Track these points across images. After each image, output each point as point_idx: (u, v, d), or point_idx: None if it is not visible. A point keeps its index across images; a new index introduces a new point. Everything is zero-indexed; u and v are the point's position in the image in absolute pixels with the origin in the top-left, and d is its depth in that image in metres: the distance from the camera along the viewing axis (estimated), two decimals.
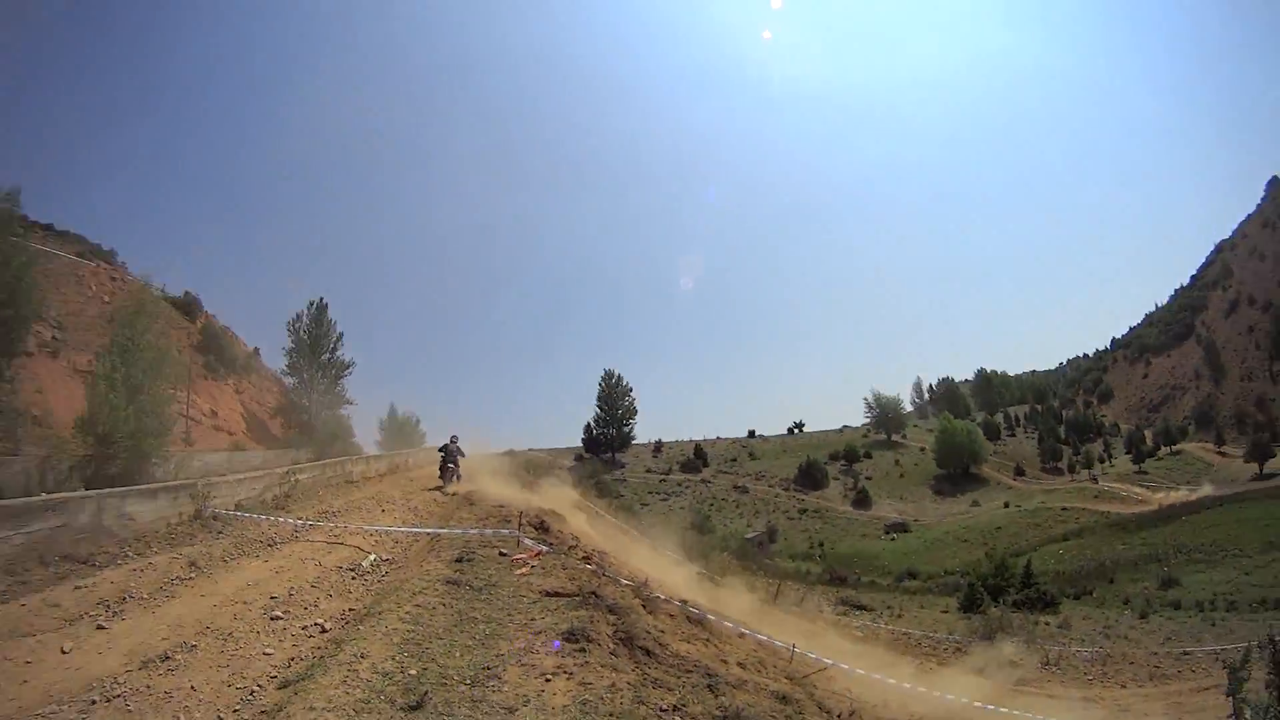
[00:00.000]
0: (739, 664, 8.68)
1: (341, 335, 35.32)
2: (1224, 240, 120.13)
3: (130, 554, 9.56)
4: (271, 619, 7.55)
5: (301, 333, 34.37)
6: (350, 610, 7.94)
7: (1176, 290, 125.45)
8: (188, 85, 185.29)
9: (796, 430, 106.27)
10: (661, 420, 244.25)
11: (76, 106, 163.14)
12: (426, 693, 5.37)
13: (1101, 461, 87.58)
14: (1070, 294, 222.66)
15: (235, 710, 5.53)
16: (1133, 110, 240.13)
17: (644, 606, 9.19)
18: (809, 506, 76.46)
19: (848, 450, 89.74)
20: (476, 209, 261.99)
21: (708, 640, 9.37)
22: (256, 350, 45.30)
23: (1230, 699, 14.15)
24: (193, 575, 8.98)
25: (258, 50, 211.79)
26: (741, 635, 10.82)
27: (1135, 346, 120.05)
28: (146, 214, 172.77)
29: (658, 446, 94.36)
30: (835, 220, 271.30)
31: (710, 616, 10.76)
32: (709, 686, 6.68)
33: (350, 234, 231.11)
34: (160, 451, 15.87)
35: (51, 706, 5.43)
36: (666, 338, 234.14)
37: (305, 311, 34.73)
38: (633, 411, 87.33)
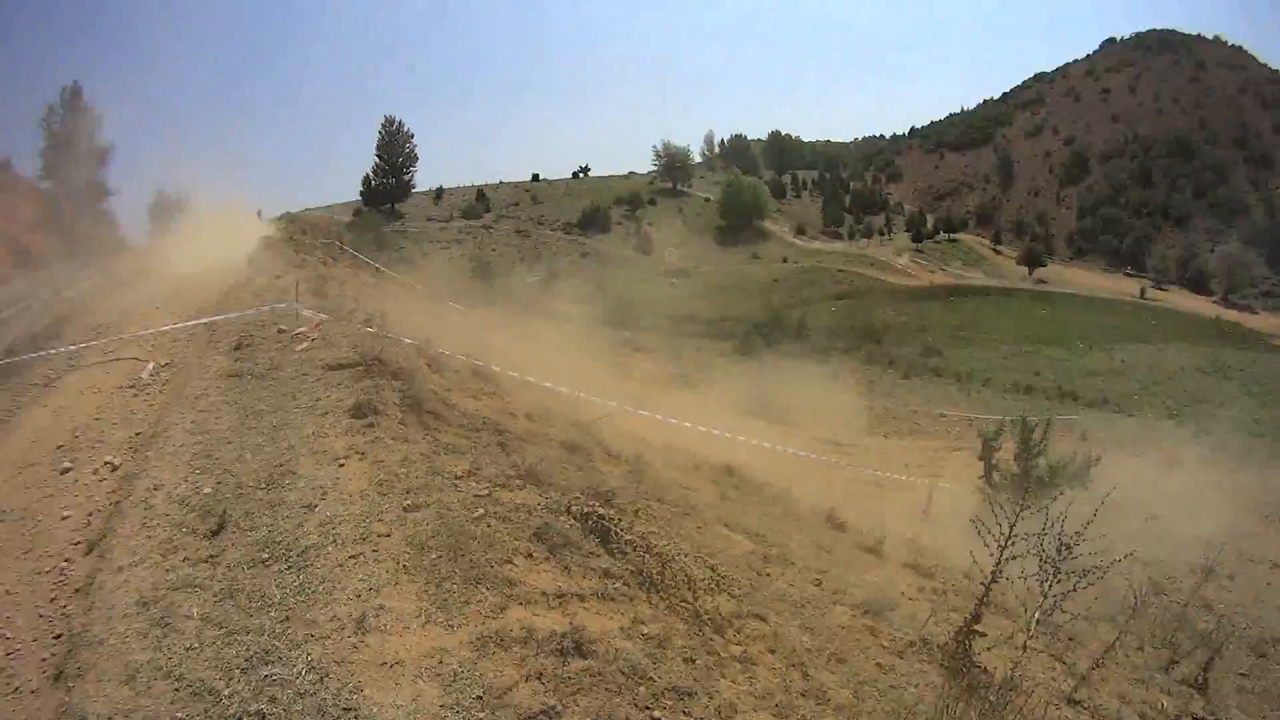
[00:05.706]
0: (526, 415, 8.94)
1: (101, 117, 29.59)
2: (1044, 73, 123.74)
3: None
4: (61, 473, 6.85)
5: (55, 126, 28.72)
6: (136, 435, 7.43)
7: (984, 101, 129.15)
8: None
9: (581, 175, 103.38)
10: (444, 167, 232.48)
11: None
12: (225, 511, 5.33)
13: (881, 234, 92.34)
14: (877, 76, 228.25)
15: (52, 599, 5.05)
16: None
17: (429, 366, 9.12)
18: (591, 250, 76.83)
19: (632, 197, 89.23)
20: None
21: (494, 394, 9.50)
22: (8, 160, 36.08)
23: (983, 462, 17.07)
24: None
25: None
26: (526, 385, 10.99)
27: (933, 139, 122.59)
28: None
29: (439, 193, 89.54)
30: None
31: (495, 368, 10.86)
32: (500, 444, 6.97)
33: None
34: None
35: None
36: (453, 78, 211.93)
37: (58, 102, 28.78)
38: (414, 159, 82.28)
